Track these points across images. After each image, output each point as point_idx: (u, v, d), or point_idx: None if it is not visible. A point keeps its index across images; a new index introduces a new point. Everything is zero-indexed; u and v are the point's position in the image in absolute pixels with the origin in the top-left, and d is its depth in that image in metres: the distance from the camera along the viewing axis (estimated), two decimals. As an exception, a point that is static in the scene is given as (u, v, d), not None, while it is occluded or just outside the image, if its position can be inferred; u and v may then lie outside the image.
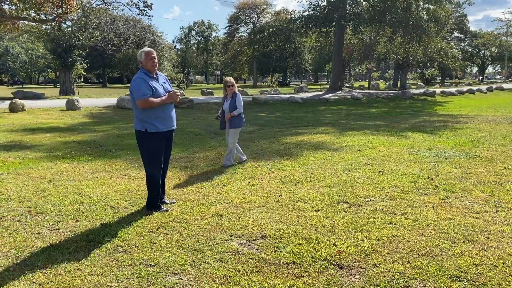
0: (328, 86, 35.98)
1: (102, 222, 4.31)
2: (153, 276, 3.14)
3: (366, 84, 44.25)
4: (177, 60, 65.71)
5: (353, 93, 26.86)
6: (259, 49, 57.74)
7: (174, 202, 4.94)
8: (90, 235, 3.95)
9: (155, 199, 4.70)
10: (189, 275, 3.15)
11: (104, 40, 47.97)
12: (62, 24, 27.58)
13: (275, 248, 3.63)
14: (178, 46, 78.84)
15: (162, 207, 4.69)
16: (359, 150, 8.36)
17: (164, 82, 4.74)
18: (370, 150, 8.43)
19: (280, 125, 13.11)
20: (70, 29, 30.04)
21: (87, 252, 3.57)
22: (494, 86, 37.02)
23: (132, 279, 3.10)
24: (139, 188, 5.52)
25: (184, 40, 78.57)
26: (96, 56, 51.03)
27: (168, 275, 3.16)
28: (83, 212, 4.63)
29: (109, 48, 51.84)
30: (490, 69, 75.44)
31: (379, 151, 8.29)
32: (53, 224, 4.29)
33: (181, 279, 3.10)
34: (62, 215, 4.54)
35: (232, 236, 3.92)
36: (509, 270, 3.20)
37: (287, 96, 24.48)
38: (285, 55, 61.15)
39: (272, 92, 29.30)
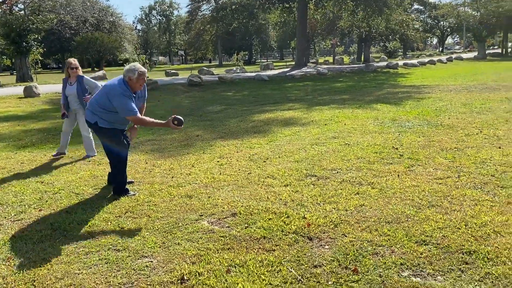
0: (293, 63, 35.99)
1: (67, 210, 4.19)
2: (122, 260, 3.09)
3: (330, 59, 44.54)
4: (139, 42, 63.99)
5: (319, 68, 26.98)
6: (222, 27, 56.91)
7: (132, 182, 4.93)
8: (54, 224, 3.83)
9: (122, 184, 4.61)
10: (159, 257, 3.11)
11: (60, 23, 46.04)
12: (14, 7, 26.20)
13: (246, 225, 3.64)
14: (139, 27, 76.74)
15: (130, 191, 4.60)
16: (325, 125, 8.44)
17: (139, 97, 4.57)
18: (337, 123, 8.53)
19: (247, 104, 13.04)
20: (23, 12, 28.60)
21: (52, 241, 3.47)
22: (453, 56, 38.06)
23: (101, 265, 3.04)
24: (104, 174, 5.38)
25: (145, 20, 76.46)
26: (54, 40, 48.98)
27: (138, 259, 3.11)
28: (46, 201, 4.49)
29: (67, 32, 49.83)
30: (449, 40, 77.35)
31: (345, 124, 8.39)
32: (15, 214, 4.14)
33: (151, 261, 3.06)
34: (25, 205, 4.38)
35: (202, 215, 3.89)
36: (471, 231, 3.32)
37: (253, 74, 24.34)
38: (249, 32, 60.56)
39: (238, 71, 29.06)
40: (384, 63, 29.96)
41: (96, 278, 2.87)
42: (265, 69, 29.95)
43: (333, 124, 8.46)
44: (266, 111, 10.89)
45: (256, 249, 3.17)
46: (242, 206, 4.08)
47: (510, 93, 11.90)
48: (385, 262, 2.91)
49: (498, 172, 4.79)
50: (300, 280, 2.74)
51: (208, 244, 3.27)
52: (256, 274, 2.81)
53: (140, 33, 73.42)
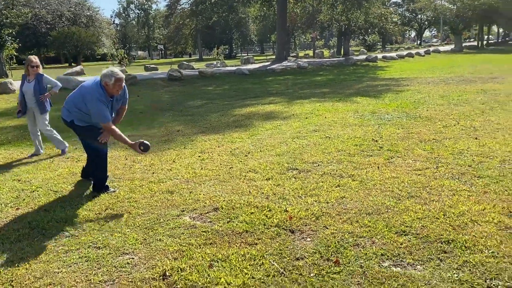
0: (274, 57, 35.96)
1: (45, 208, 4.11)
2: (103, 258, 3.05)
3: (311, 53, 44.64)
4: (117, 36, 62.93)
5: (299, 62, 27.03)
6: (202, 21, 56.34)
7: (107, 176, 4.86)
8: (33, 222, 3.75)
9: (102, 180, 4.54)
10: (141, 254, 3.08)
11: (35, 18, 44.87)
12: (-14, 1, 25.42)
13: (228, 219, 3.63)
14: (117, 21, 75.41)
15: (110, 188, 4.54)
16: (306, 118, 8.47)
17: (117, 99, 4.47)
18: (317, 117, 8.57)
19: (228, 98, 12.99)
20: (-5, 6, 27.73)
21: (30, 240, 3.40)
22: (431, 49, 38.61)
23: (81, 263, 2.99)
24: (83, 170, 5.29)
25: (123, 14, 75.15)
26: (29, 35, 47.68)
27: (119, 256, 3.08)
28: (24, 199, 4.39)
29: (42, 26, 48.58)
30: (427, 33, 78.44)
31: (325, 117, 8.44)
32: (-9, 214, 4.04)
33: (133, 258, 3.03)
34: (1, 204, 4.28)
35: (184, 211, 3.87)
36: (449, 221, 3.39)
37: (234, 68, 24.23)
38: (229, 26, 60.21)
39: (219, 65, 28.87)
40: (364, 57, 30.20)
41: (76, 276, 2.83)
42: (245, 63, 29.86)
43: (313, 118, 8.50)
44: (247, 105, 10.87)
45: (239, 243, 3.17)
46: (224, 200, 4.07)
47: (486, 85, 12.15)
48: (366, 253, 2.94)
49: (475, 162, 4.89)
50: (282, 273, 2.75)
51: (190, 240, 3.26)
52: (239, 268, 2.81)
53: (118, 28, 72.15)
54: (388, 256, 2.90)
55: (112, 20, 72.73)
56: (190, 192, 4.34)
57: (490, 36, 61.19)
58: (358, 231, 3.30)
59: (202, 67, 26.95)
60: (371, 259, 2.87)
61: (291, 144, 6.30)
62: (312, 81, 17.59)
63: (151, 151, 6.22)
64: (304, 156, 5.56)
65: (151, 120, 9.13)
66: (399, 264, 2.81)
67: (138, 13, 74.35)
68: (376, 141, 6.19)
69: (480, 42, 49.93)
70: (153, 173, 5.11)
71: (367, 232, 3.26)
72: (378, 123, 7.51)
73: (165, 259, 2.98)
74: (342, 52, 39.54)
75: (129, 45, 71.22)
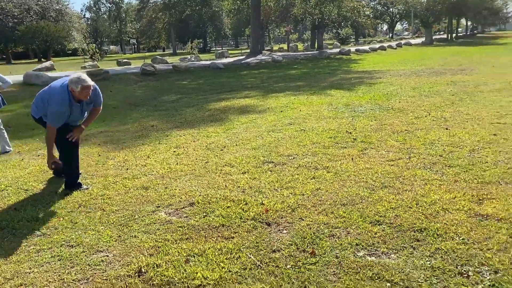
0: (248, 51, 35.87)
1: (15, 207, 3.99)
2: (76, 256, 2.99)
3: (285, 46, 44.74)
4: (88, 30, 61.47)
5: (273, 56, 27.05)
6: (175, 15, 55.66)
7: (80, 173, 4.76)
8: (2, 222, 3.64)
9: (74, 177, 4.45)
10: (115, 251, 3.04)
11: (1, 12, 43.39)
12: None
13: (204, 214, 3.61)
14: (87, 15, 73.67)
15: (83, 186, 4.44)
16: (281, 111, 8.50)
17: (87, 103, 4.34)
18: (292, 110, 8.61)
19: (203, 92, 12.89)
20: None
21: (0, 241, 3.30)
22: (403, 42, 39.28)
23: (53, 263, 2.93)
24: (55, 168, 5.16)
25: (94, 8, 73.46)
26: (-5, 30, 46.10)
27: (93, 254, 3.02)
28: (-8, 199, 4.25)
29: (9, 21, 46.99)
30: (398, 26, 79.69)
31: (300, 110, 8.48)
32: (-43, 215, 3.90)
33: (107, 255, 2.98)
34: (-32, 205, 4.13)
35: (159, 207, 3.83)
36: (421, 210, 3.46)
37: (209, 62, 24.06)
38: (203, 20, 59.62)
39: (193, 59, 28.62)
40: (337, 50, 30.45)
41: (49, 276, 2.76)
42: (220, 57, 29.69)
43: (288, 111, 8.53)
44: (223, 99, 10.82)
45: (215, 238, 3.16)
46: (200, 195, 4.05)
47: (455, 77, 12.45)
48: (341, 244, 2.98)
49: (446, 152, 5.01)
50: (259, 265, 2.75)
51: (166, 235, 3.23)
52: (215, 262, 2.80)
53: (89, 22, 70.48)
54: (363, 246, 2.94)
55: (83, 14, 71.04)
56: (166, 188, 4.30)
57: (460, 29, 62.61)
58: (333, 222, 3.34)
59: (176, 61, 26.66)
60: (346, 249, 2.91)
61: (267, 137, 6.31)
62: (286, 75, 17.63)
63: (125, 147, 6.13)
64: (279, 149, 5.57)
65: (125, 116, 8.98)
66: (373, 253, 2.86)
67: (109, 6, 72.81)
68: (350, 133, 6.26)
69: (449, 35, 51.07)
70: (127, 169, 5.03)
71: (342, 223, 3.31)
72: (352, 115, 7.60)
73: (141, 255, 2.95)
74: (316, 46, 39.76)
75: (100, 40, 69.74)
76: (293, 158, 5.18)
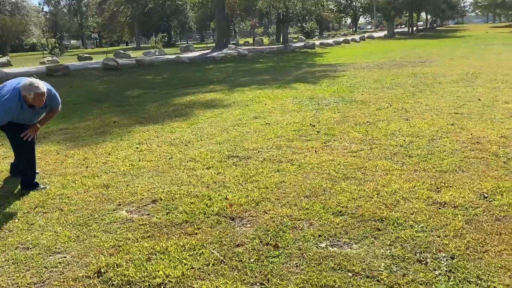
0: (214, 45, 35.58)
1: (-34, 210, 3.80)
2: (32, 258, 2.87)
3: (251, 40, 44.67)
4: (47, 25, 59.32)
5: (239, 49, 26.97)
6: (138, 8, 54.48)
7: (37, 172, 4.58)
8: (-48, 227, 3.45)
9: (30, 177, 4.27)
10: (74, 252, 2.94)
11: (-48, 5, 41.20)
12: None
13: (167, 211, 3.55)
14: (46, 9, 71.03)
15: (40, 185, 4.28)
16: (247, 105, 8.47)
17: (42, 107, 4.12)
18: (258, 104, 8.60)
19: (168, 87, 12.69)
20: None
21: (-51, 246, 3.13)
22: (366, 35, 40.00)
23: (7, 266, 2.80)
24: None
25: (53, 1, 70.88)
26: None
27: (50, 255, 2.91)
28: None
29: (-40, 14, 44.74)
30: (362, 20, 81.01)
31: (265, 104, 8.49)
32: None
33: (65, 257, 2.88)
34: None
35: (120, 205, 3.73)
36: (382, 200, 3.53)
37: (173, 56, 23.71)
38: (167, 14, 58.62)
39: (157, 53, 28.14)
40: (302, 43, 30.66)
41: (2, 280, 2.64)
42: (185, 51, 29.33)
43: (254, 105, 8.52)
44: (188, 94, 10.68)
45: (178, 235, 3.11)
46: (162, 192, 3.97)
47: (416, 69, 12.78)
48: (304, 235, 3.00)
49: (406, 142, 5.13)
50: (222, 260, 2.73)
51: (127, 234, 3.15)
52: (178, 259, 2.76)
53: (48, 16, 67.99)
54: (325, 237, 2.97)
55: (41, 7, 68.42)
56: (127, 185, 4.19)
57: (421, 23, 64.31)
58: (297, 214, 3.35)
59: (140, 55, 26.13)
60: (309, 241, 2.93)
61: (232, 131, 6.28)
62: (252, 69, 17.62)
63: (85, 144, 5.95)
64: (244, 143, 5.55)
65: (86, 112, 8.72)
66: (335, 244, 2.89)
67: (69, 0, 70.42)
68: (314, 125, 6.31)
69: (410, 28, 52.38)
70: (87, 167, 4.88)
71: (305, 215, 3.33)
72: (316, 108, 7.66)
73: (100, 255, 2.86)
74: (281, 40, 39.89)
75: (60, 34, 67.37)
76: (258, 152, 5.18)
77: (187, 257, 2.78)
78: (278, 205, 3.55)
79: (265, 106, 8.25)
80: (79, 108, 9.23)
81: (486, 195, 3.48)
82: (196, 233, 3.12)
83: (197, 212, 3.47)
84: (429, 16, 65.38)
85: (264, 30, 72.91)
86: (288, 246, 2.88)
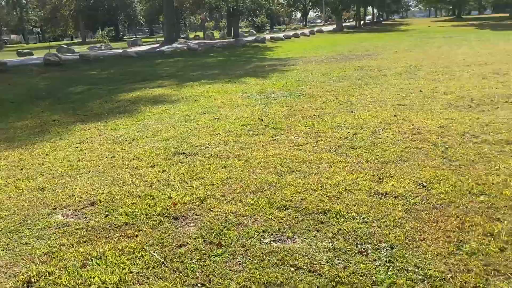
0: (164, 38, 34.81)
1: None
2: (-46, 272, 2.64)
3: (201, 34, 44.14)
4: (-18, 18, 55.67)
5: (189, 44, 26.55)
6: (82, 1, 52.30)
7: None
8: None
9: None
10: (2, 261, 2.73)
11: None
12: None
13: (106, 213, 3.39)
14: (-19, 1, 66.56)
15: (-33, 190, 3.97)
16: (196, 101, 8.33)
17: None
18: (207, 99, 8.48)
19: (114, 82, 12.27)
20: None
21: None
22: (315, 29, 40.58)
23: None
24: None
25: (-12, -7, 66.54)
26: None
27: (-26, 268, 2.69)
28: None
29: None
30: (311, 14, 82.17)
31: (215, 99, 8.38)
32: None
33: (-9, 268, 2.67)
34: None
35: (56, 209, 3.53)
36: (326, 192, 3.55)
37: (120, 51, 22.98)
38: (114, 7, 56.68)
39: (103, 48, 27.17)
40: (253, 38, 30.65)
41: None
42: (133, 45, 28.51)
43: (203, 100, 8.40)
44: (134, 90, 10.37)
45: (117, 238, 2.98)
46: (102, 193, 3.80)
47: (362, 62, 13.10)
48: (248, 232, 2.96)
49: (350, 134, 5.22)
50: (163, 263, 2.64)
51: (62, 240, 2.97)
52: (115, 264, 2.63)
53: (-17, 8, 63.74)
54: (269, 232, 2.94)
55: (-25, -1, 64.06)
56: (64, 187, 3.98)
57: (369, 17, 66.07)
58: (242, 210, 3.30)
59: (85, 50, 25.14)
60: (253, 237, 2.89)
61: (179, 128, 6.14)
62: (202, 63, 17.39)
63: (21, 145, 5.61)
64: (191, 140, 5.44)
65: (24, 111, 8.24)
66: (279, 239, 2.87)
67: (6, -9, 66.37)
68: (262, 120, 6.29)
69: (358, 22, 53.72)
70: (21, 169, 4.59)
71: (250, 211, 3.29)
72: (265, 103, 7.66)
73: (31, 264, 2.68)
74: (232, 34, 39.69)
75: (-2, 28, 63.47)
76: (205, 148, 5.09)
77: (126, 261, 2.66)
78: (224, 202, 3.48)
79: (214, 101, 8.14)
80: (17, 107, 8.73)
81: (424, 184, 3.59)
82: (137, 235, 3.00)
83: (138, 213, 3.34)
84: (375, 10, 67.36)
85: (215, 24, 72.24)
86: (231, 243, 2.82)
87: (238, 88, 9.58)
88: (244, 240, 2.85)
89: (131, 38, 51.26)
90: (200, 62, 18.08)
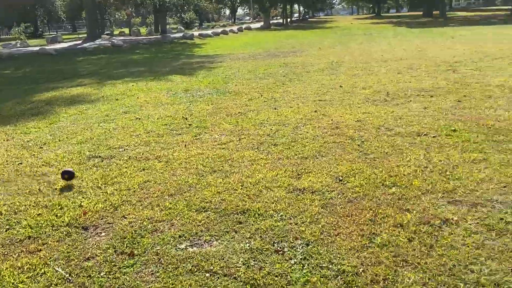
0: (86, 35, 33.11)
1: None
2: None
3: (127, 30, 42.61)
4: None
5: (113, 40, 25.49)
6: (-6, -5, 48.24)
7: None
8: None
9: None
10: None
11: None
12: None
13: (7, 227, 3.09)
14: None
15: None
16: (117, 100, 7.97)
17: None
18: (129, 98, 8.15)
19: (29, 82, 11.42)
20: None
21: None
22: (244, 26, 40.71)
23: None
24: None
25: None
26: None
27: None
28: None
29: None
30: (240, 11, 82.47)
31: (138, 98, 8.07)
32: None
33: None
34: None
35: None
36: (246, 191, 3.51)
37: (38, 48, 21.52)
38: (31, 1, 52.88)
39: (19, 45, 25.33)
40: (181, 34, 30.12)
41: None
42: (52, 42, 26.82)
43: (125, 99, 8.05)
44: (51, 89, 9.72)
45: (17, 254, 2.71)
46: (4, 204, 3.47)
47: (287, 59, 13.31)
48: (164, 238, 2.83)
49: (273, 131, 5.23)
50: (68, 279, 2.44)
51: (-49, 261, 2.65)
52: (13, 284, 2.39)
53: None
54: (186, 237, 2.84)
55: None
56: (-41, 201, 3.58)
57: (297, 14, 67.49)
58: (158, 215, 3.16)
59: (-3, 48, 23.26)
60: (169, 243, 2.77)
61: (96, 129, 5.81)
62: (127, 60, 16.77)
63: None
64: (109, 142, 5.17)
65: None
66: (196, 243, 2.77)
67: None
68: (186, 118, 6.14)
69: (285, 20, 54.76)
70: None
71: (167, 215, 3.15)
72: (190, 101, 7.50)
73: None
74: (159, 30, 38.72)
75: None
76: (124, 150, 4.85)
77: (25, 279, 2.43)
78: (140, 208, 3.32)
79: (137, 100, 7.84)
80: None
81: (341, 178, 3.66)
82: (40, 250, 2.75)
83: (44, 225, 3.08)
84: (301, 8, 69.04)
85: (142, 20, 70.08)
86: (145, 252, 2.68)
87: (164, 86, 9.32)
88: (158, 248, 2.72)
89: (52, 34, 48.22)
90: (124, 59, 17.40)
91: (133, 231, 2.94)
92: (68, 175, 3.88)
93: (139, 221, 3.08)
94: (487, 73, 8.36)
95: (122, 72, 12.72)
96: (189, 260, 2.56)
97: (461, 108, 5.79)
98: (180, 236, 2.85)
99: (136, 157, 4.57)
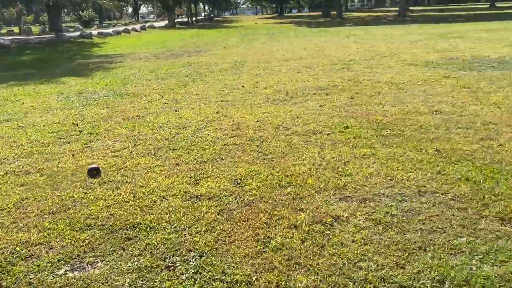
0: (-34, 34, 29.64)
1: None
2: None
3: (17, 29, 39.01)
4: None
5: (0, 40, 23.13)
6: None
7: None
8: None
9: None
10: None
11: None
12: None
13: None
14: None
15: None
16: (-2, 106, 7.15)
17: None
18: (13, 103, 7.37)
19: None
20: None
21: None
22: (147, 25, 39.45)
23: None
24: None
25: None
26: None
27: None
28: None
29: None
30: (144, 9, 79.96)
31: (23, 103, 7.33)
32: None
33: None
34: None
35: None
36: (138, 203, 3.27)
37: None
38: None
39: None
40: (78, 33, 28.29)
41: None
42: None
43: (8, 105, 7.27)
44: None
45: None
46: None
47: (191, 58, 13.06)
48: (40, 264, 2.51)
49: (172, 135, 5.02)
50: None
51: None
52: None
53: None
54: (65, 261, 2.54)
55: None
56: None
57: (204, 13, 66.96)
58: (35, 238, 2.81)
59: None
60: (45, 270, 2.46)
61: (-31, 141, 5.12)
62: (14, 62, 15.29)
63: None
64: (-16, 155, 4.57)
65: None
66: (77, 267, 2.50)
67: None
68: (77, 125, 5.68)
69: (190, 19, 54.14)
70: None
71: (46, 237, 2.82)
72: (83, 105, 6.97)
73: None
74: (54, 29, 35.96)
75: None
76: (1, 164, 4.31)
77: None
78: (14, 231, 2.93)
79: (22, 106, 7.11)
80: None
81: (239, 181, 3.59)
82: None
83: None
84: (207, 7, 68.79)
85: (35, 18, 64.72)
86: (15, 283, 2.35)
87: (54, 90, 8.59)
88: (32, 276, 2.40)
89: None
90: (11, 60, 15.85)
91: (3, 259, 2.57)
92: (96, 171, 3.70)
93: (11, 247, 2.72)
94: (377, 71, 8.92)
95: (7, 75, 11.52)
96: (67, 287, 2.29)
97: (354, 105, 6.07)
98: (59, 261, 2.55)
99: (14, 171, 4.08)
